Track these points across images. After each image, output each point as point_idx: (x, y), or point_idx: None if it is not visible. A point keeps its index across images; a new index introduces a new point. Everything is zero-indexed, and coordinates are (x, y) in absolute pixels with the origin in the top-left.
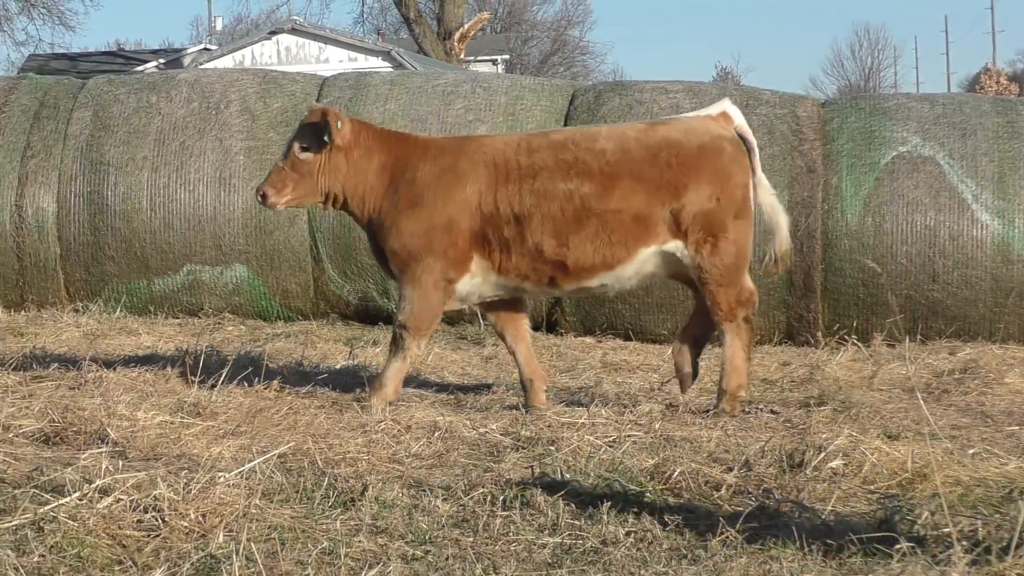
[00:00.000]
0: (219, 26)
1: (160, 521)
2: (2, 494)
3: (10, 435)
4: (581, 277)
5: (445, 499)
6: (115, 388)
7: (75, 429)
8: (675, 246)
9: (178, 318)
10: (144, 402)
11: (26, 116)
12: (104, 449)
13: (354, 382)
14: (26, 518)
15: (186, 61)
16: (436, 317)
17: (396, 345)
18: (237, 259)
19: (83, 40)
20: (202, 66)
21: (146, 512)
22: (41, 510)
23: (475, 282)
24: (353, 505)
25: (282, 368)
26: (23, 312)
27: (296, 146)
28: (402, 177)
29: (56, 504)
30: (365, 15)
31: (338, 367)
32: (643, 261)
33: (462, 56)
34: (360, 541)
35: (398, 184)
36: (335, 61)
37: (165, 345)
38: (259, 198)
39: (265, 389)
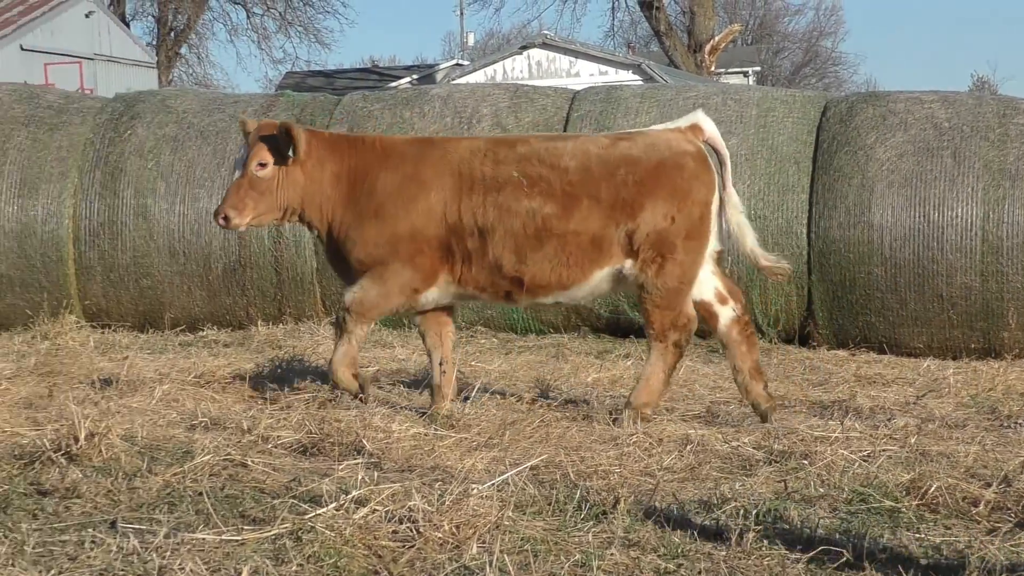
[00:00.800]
0: (471, 41)
1: (415, 532)
2: (261, 504)
3: (269, 446)
4: (536, 294)
5: (697, 512)
6: (370, 400)
7: (331, 441)
8: (627, 265)
9: None
10: (398, 414)
11: None
12: (360, 460)
13: (605, 395)
14: (284, 528)
15: (439, 76)
16: (384, 313)
17: (341, 328)
18: None
19: (338, 57)
20: (454, 81)
21: (401, 523)
22: (299, 520)
23: (435, 293)
24: (605, 518)
25: (534, 381)
26: (281, 325)
27: (253, 163)
28: (361, 187)
29: (314, 514)
30: (616, 29)
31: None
32: (598, 282)
33: (713, 68)
34: (612, 554)
35: (358, 195)
36: (585, 75)
37: (419, 358)
38: (220, 221)
39: (517, 402)
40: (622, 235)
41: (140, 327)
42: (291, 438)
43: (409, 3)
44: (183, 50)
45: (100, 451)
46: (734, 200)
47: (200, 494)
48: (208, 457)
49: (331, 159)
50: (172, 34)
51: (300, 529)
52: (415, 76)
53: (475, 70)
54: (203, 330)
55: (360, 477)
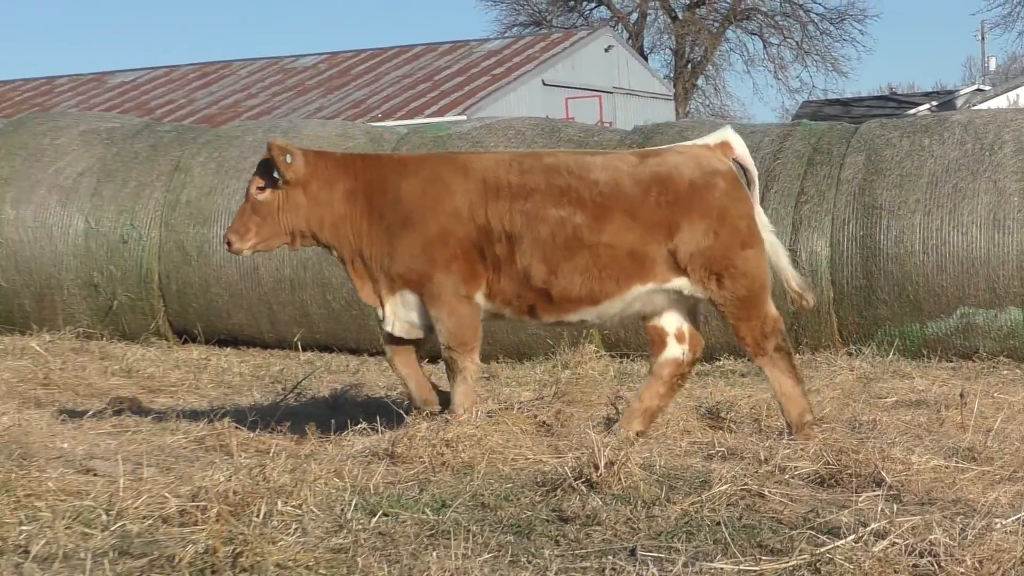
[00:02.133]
0: (992, 66)
1: (935, 566)
2: (779, 535)
3: (786, 476)
4: (563, 309)
5: None
6: (889, 431)
7: (849, 472)
8: (681, 283)
9: (951, 361)
10: (918, 446)
11: (800, 162)
12: (879, 492)
13: None
14: (803, 559)
15: (958, 103)
16: (476, 328)
17: (452, 369)
18: (1011, 302)
19: (855, 85)
20: (975, 107)
21: (921, 556)
22: (817, 551)
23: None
24: None
25: None
26: (797, 355)
27: (253, 187)
28: (384, 198)
29: (832, 546)
30: None
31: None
32: (633, 299)
33: None
34: None
35: (382, 208)
36: None
37: (939, 389)
38: (226, 245)
39: None
40: (664, 253)
41: None
42: (808, 469)
43: (928, 29)
44: (699, 81)
45: (619, 479)
46: (763, 219)
47: (718, 523)
48: (725, 487)
49: (343, 177)
50: (689, 66)
51: (818, 560)
52: (934, 103)
53: (996, 95)
54: (719, 360)
55: (879, 509)
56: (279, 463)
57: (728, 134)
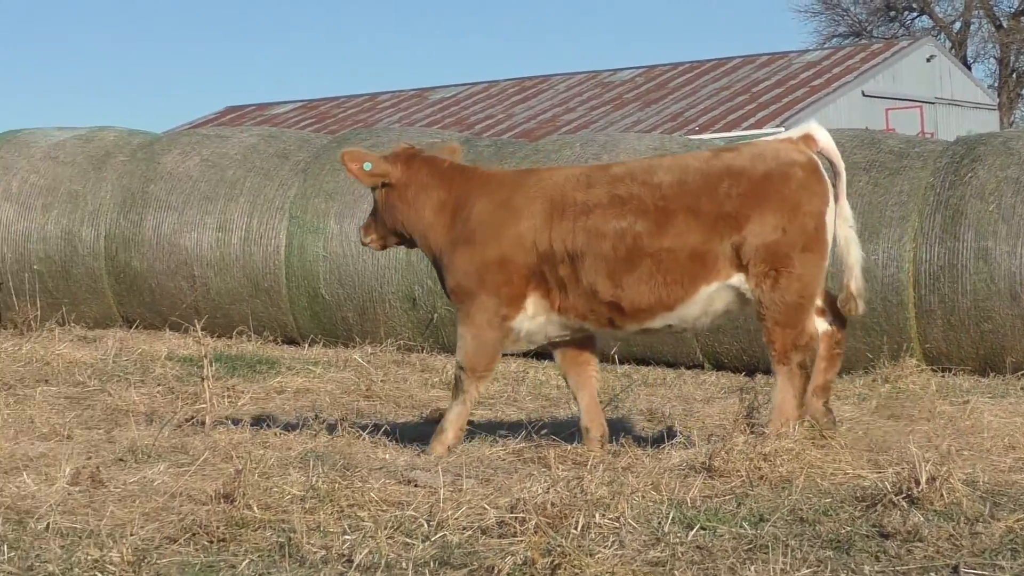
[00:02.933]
0: None
1: None
2: None
3: None
4: (640, 319)
5: None
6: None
7: None
8: (738, 280)
9: None
10: None
11: None
12: None
13: None
14: None
15: None
16: (494, 357)
17: (456, 388)
18: None
19: None
20: None
21: None
22: None
23: (538, 321)
24: None
25: None
26: None
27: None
28: (460, 214)
29: None
30: None
31: None
32: (708, 299)
33: None
34: None
35: (456, 222)
36: None
37: None
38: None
39: None
40: (728, 248)
41: (981, 371)
42: None
43: None
44: None
45: (941, 495)
46: (845, 213)
47: None
48: None
49: (438, 186)
50: (1014, 75)
51: None
52: None
53: None
54: None
55: None
56: (597, 475)
57: (812, 127)
